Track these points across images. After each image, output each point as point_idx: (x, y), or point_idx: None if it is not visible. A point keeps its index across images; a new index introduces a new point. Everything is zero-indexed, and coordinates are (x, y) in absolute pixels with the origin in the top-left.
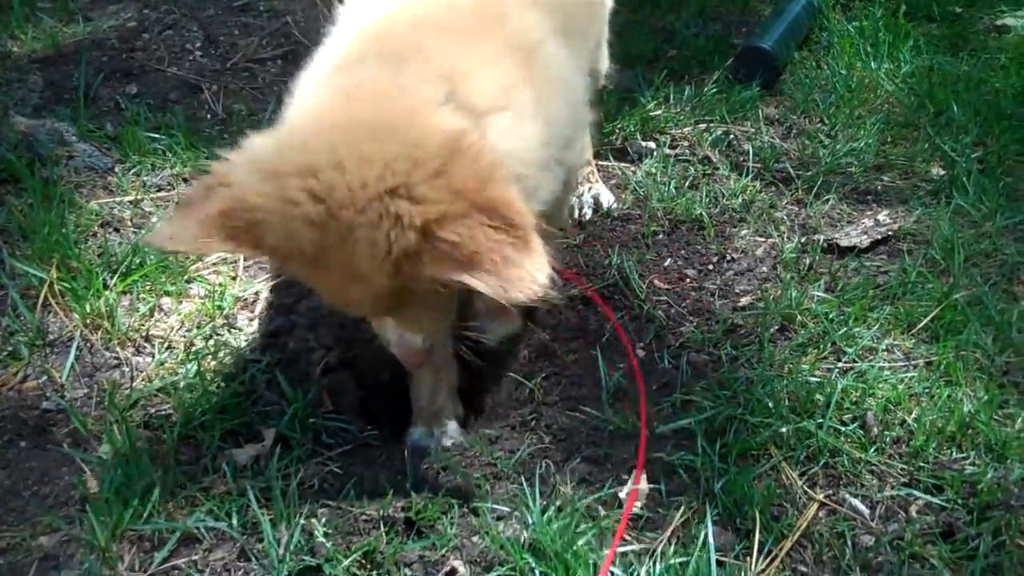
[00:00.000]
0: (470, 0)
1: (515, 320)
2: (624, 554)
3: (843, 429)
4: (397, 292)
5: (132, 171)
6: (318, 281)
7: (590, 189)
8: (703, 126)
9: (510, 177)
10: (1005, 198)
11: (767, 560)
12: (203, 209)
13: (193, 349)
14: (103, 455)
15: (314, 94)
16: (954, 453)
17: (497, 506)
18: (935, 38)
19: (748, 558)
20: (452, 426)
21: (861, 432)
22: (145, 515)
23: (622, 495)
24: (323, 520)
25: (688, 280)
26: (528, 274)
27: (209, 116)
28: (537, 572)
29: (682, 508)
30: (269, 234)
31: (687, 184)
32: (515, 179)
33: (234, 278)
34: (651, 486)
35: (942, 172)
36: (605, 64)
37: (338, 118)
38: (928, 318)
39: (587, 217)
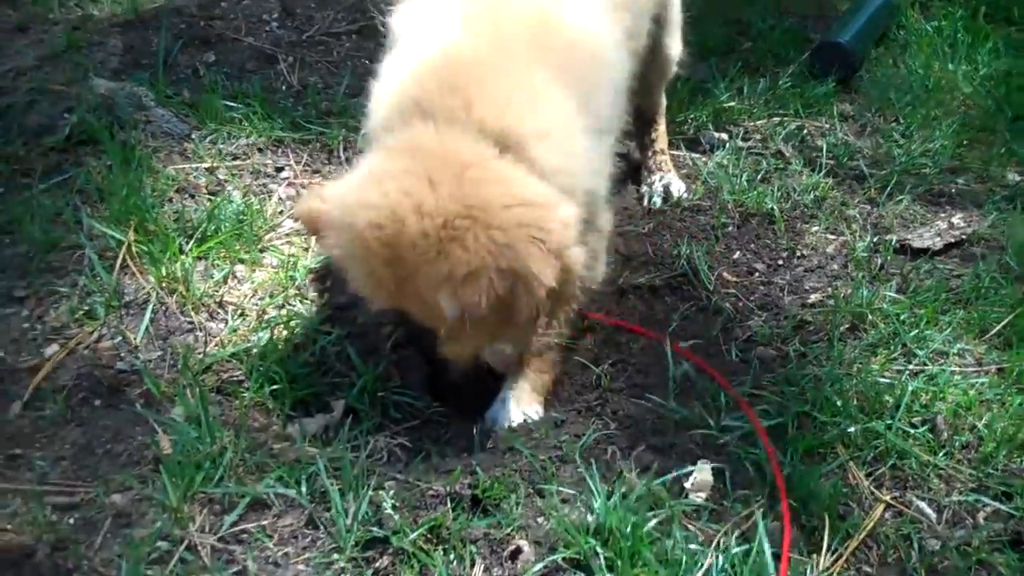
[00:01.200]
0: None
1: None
2: (687, 543)
3: (912, 432)
4: None
5: (208, 138)
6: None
7: (662, 178)
8: (776, 120)
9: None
10: None
11: (833, 558)
12: None
13: (266, 317)
14: (176, 417)
15: (374, 156)
16: None
17: (563, 489)
18: (1015, 41)
19: (815, 556)
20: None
21: (930, 435)
22: (216, 478)
23: (687, 484)
24: (391, 492)
25: (757, 274)
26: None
27: (284, 87)
28: (602, 556)
29: (748, 502)
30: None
31: (759, 177)
32: (567, 192)
33: (307, 250)
34: (714, 473)
35: (1018, 177)
36: (677, 49)
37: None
38: (1001, 324)
39: (657, 205)
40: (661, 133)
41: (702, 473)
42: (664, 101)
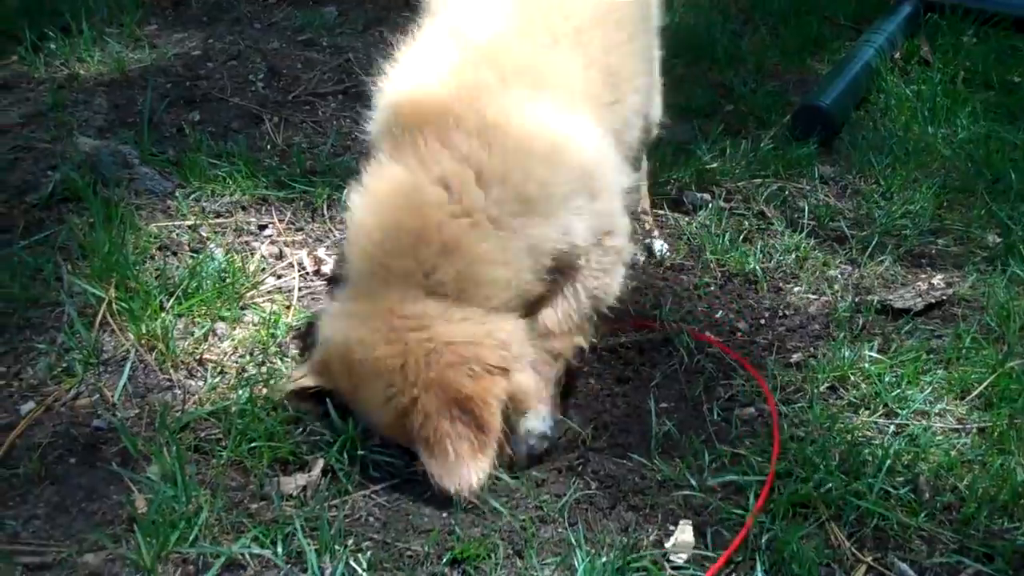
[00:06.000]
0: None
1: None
2: None
3: (893, 492)
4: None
5: (192, 196)
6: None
7: (644, 237)
8: (758, 181)
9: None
10: None
11: None
12: None
13: (245, 375)
14: (152, 476)
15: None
16: (1006, 522)
17: (543, 550)
18: (993, 106)
19: None
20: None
21: (912, 496)
22: (191, 538)
23: (668, 545)
24: (368, 553)
25: (739, 334)
26: (466, 474)
27: (269, 146)
28: None
29: (729, 562)
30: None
31: (741, 238)
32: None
33: (288, 307)
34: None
35: (998, 239)
36: (658, 112)
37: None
38: (983, 385)
39: (639, 264)
40: (644, 194)
41: (684, 534)
42: (647, 164)
